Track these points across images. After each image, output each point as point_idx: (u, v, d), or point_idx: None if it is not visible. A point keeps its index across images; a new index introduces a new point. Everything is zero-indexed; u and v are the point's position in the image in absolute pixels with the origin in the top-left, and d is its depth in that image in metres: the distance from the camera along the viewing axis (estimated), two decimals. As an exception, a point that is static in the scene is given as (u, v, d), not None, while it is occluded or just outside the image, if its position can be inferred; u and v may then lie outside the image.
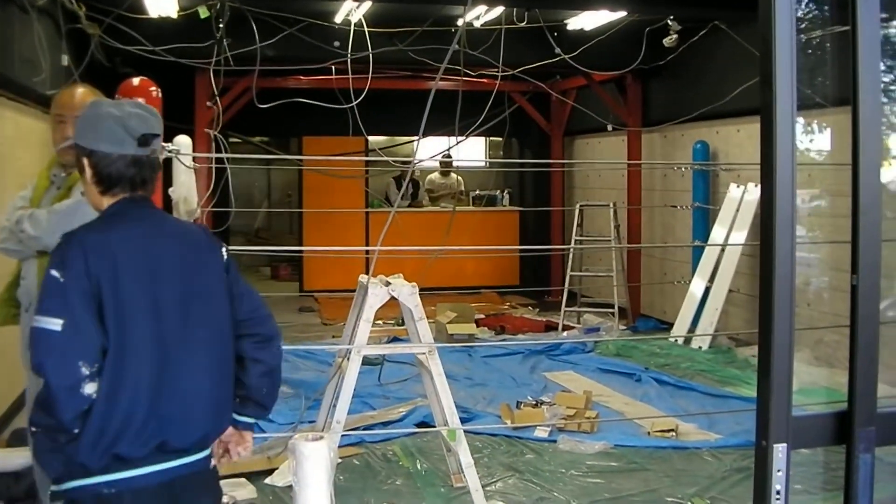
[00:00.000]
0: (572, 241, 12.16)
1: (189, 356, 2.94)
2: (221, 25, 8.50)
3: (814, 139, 8.26)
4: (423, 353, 5.42)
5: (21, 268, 4.30)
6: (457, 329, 10.60)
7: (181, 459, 2.94)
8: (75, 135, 3.00)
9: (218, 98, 8.55)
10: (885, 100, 2.32)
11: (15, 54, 7.62)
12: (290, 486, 3.85)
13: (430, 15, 9.83)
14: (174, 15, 9.28)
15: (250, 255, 16.37)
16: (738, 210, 10.24)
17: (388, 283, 5.40)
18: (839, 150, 7.71)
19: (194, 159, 7.52)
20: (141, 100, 3.76)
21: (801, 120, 2.18)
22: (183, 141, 8.05)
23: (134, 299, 2.84)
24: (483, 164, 18.62)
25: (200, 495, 3.06)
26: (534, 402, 7.60)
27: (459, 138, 7.67)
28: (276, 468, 6.11)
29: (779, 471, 2.11)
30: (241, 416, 3.20)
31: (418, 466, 6.39)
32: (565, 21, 10.45)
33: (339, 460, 5.94)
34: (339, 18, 9.77)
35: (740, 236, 10.03)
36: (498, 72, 8.39)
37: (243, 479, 5.93)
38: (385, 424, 7.27)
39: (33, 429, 2.85)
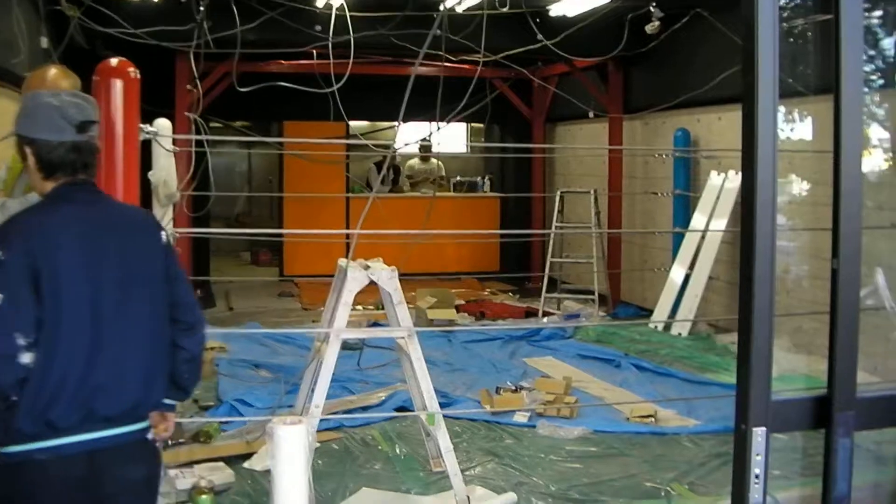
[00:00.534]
0: (552, 228, 12.16)
1: (124, 330, 3.10)
2: (202, 8, 8.44)
3: (794, 128, 8.28)
4: (403, 338, 5.40)
5: None
6: (437, 314, 10.60)
7: (110, 430, 3.09)
8: (16, 125, 3.15)
9: (198, 81, 8.49)
10: (864, 89, 2.32)
11: (-7, 36, 7.57)
12: (268, 471, 3.84)
13: (412, 0, 9.79)
14: (154, -3, 9.22)
15: (230, 241, 16.30)
16: (718, 198, 10.26)
17: (367, 267, 5.38)
18: (819, 138, 7.73)
19: (174, 142, 7.48)
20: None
21: (781, 108, 2.17)
22: (163, 124, 8.03)
23: (71, 276, 3.00)
24: (464, 150, 18.56)
25: (127, 466, 3.17)
26: (513, 388, 7.61)
27: (441, 124, 7.66)
28: (255, 452, 6.10)
29: (758, 455, 2.11)
30: (164, 399, 3.36)
31: (397, 451, 6.39)
32: (547, 7, 10.41)
33: (318, 445, 5.94)
34: (320, 2, 9.70)
35: (721, 224, 10.05)
36: (480, 58, 8.36)
37: (221, 464, 5.91)
38: (364, 409, 7.26)
39: None
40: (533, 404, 7.21)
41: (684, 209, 10.99)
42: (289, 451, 3.66)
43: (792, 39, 6.49)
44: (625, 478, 5.92)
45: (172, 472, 5.71)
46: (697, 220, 10.50)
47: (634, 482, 5.83)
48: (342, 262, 5.44)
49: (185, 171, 8.68)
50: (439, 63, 7.12)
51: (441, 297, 11.08)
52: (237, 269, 16.63)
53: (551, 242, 12.19)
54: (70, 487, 3.01)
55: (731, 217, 9.90)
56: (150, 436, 3.26)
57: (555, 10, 10.48)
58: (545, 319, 11.31)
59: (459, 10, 9.71)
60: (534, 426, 6.91)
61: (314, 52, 9.87)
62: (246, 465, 6.00)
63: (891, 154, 6.05)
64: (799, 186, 8.57)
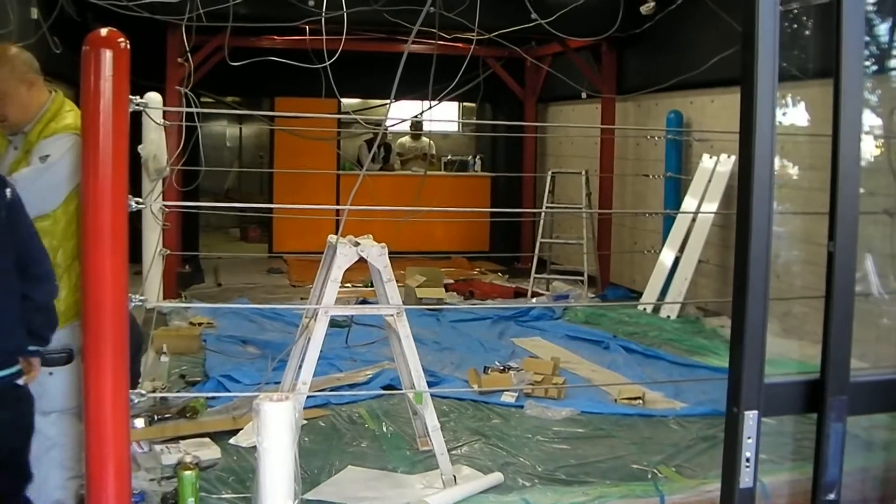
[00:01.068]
0: (543, 209, 12.13)
1: None
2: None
3: (787, 112, 8.25)
4: (392, 315, 5.38)
5: None
6: (426, 293, 10.58)
7: None
8: None
9: (189, 55, 8.44)
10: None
11: (-19, 6, 7.49)
12: (255, 447, 3.82)
13: (407, -24, 9.72)
14: (146, -31, 9.12)
15: (220, 216, 16.26)
16: (710, 181, 10.22)
17: (357, 244, 5.35)
18: (815, 122, 7.70)
19: (164, 116, 7.43)
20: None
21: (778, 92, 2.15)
22: (153, 98, 7.98)
23: None
24: (455, 129, 18.51)
25: None
26: (501, 368, 7.59)
27: (433, 102, 7.61)
28: (241, 429, 6.08)
29: (749, 438, 2.10)
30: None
31: (384, 429, 6.38)
32: (542, -14, 10.36)
33: (305, 422, 5.92)
34: (313, -23, 9.64)
35: (712, 207, 10.01)
36: (473, 36, 8.31)
37: (207, 440, 5.89)
38: (351, 386, 7.25)
39: None
40: (521, 384, 7.20)
41: (675, 192, 10.97)
42: (275, 428, 3.65)
43: (786, 24, 6.45)
44: (612, 459, 5.91)
45: (158, 448, 5.70)
46: (688, 203, 10.47)
47: (621, 464, 5.82)
48: (332, 238, 5.41)
49: (176, 146, 8.64)
50: (433, 41, 7.08)
51: (430, 276, 11.06)
52: (226, 244, 16.59)
53: (541, 223, 12.14)
54: None
55: (723, 200, 9.87)
56: (20, 381, 3.52)
57: (549, -10, 10.42)
58: (534, 300, 11.30)
59: (454, -13, 9.64)
60: (521, 406, 6.90)
61: (307, 27, 9.81)
62: (232, 441, 5.97)
63: (882, 140, 6.03)
64: (790, 171, 8.54)
